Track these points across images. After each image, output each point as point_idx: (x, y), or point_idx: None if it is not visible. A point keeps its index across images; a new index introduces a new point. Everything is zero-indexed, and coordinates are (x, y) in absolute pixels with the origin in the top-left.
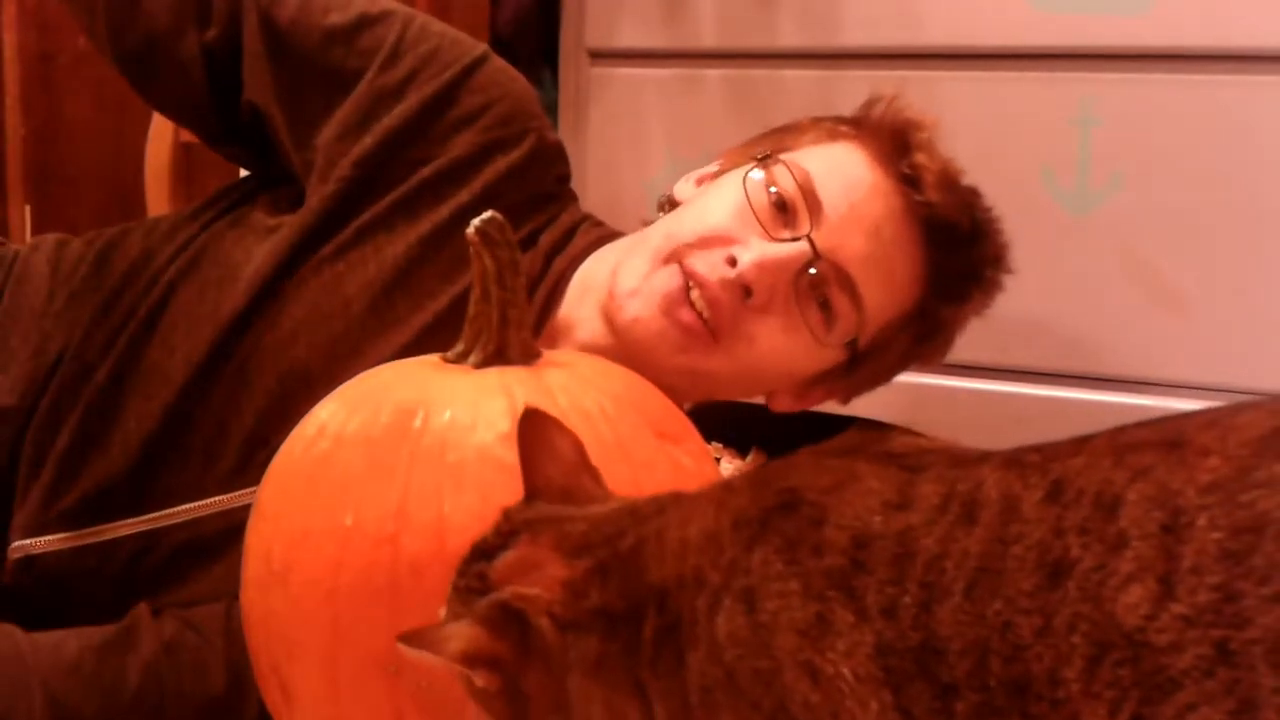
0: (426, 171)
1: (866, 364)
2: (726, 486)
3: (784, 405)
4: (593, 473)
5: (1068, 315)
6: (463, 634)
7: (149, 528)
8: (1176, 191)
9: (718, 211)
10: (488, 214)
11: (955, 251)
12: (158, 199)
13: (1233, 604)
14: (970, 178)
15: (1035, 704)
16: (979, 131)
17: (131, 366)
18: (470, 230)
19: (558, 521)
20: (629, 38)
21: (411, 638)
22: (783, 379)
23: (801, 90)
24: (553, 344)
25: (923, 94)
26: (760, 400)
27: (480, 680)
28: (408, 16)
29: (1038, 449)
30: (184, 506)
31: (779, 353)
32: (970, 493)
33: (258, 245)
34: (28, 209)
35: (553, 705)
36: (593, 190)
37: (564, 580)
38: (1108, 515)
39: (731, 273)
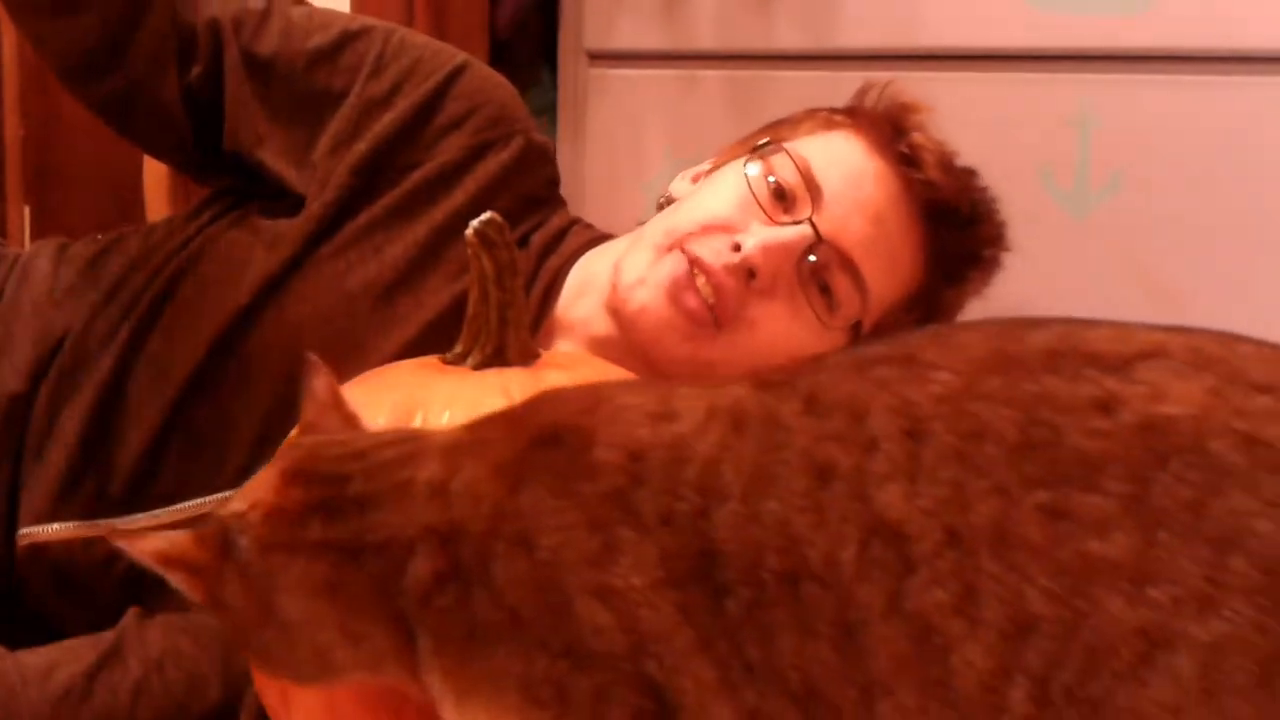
0: (419, 175)
1: None
2: (476, 435)
3: None
4: (344, 414)
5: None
6: (168, 538)
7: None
8: (1176, 193)
9: (718, 201)
10: (486, 215)
11: (956, 232)
12: (157, 201)
13: (960, 495)
14: None
15: (808, 587)
16: (978, 133)
17: (134, 359)
18: (469, 232)
19: (292, 449)
20: (627, 39)
21: (123, 535)
22: None
23: (799, 91)
24: (548, 344)
25: (921, 95)
26: None
27: (177, 582)
28: (388, 31)
29: (776, 370)
30: (194, 502)
31: (782, 337)
32: (731, 407)
33: (259, 247)
34: (27, 210)
35: (259, 619)
36: (591, 191)
37: (275, 505)
38: (859, 422)
39: (736, 257)
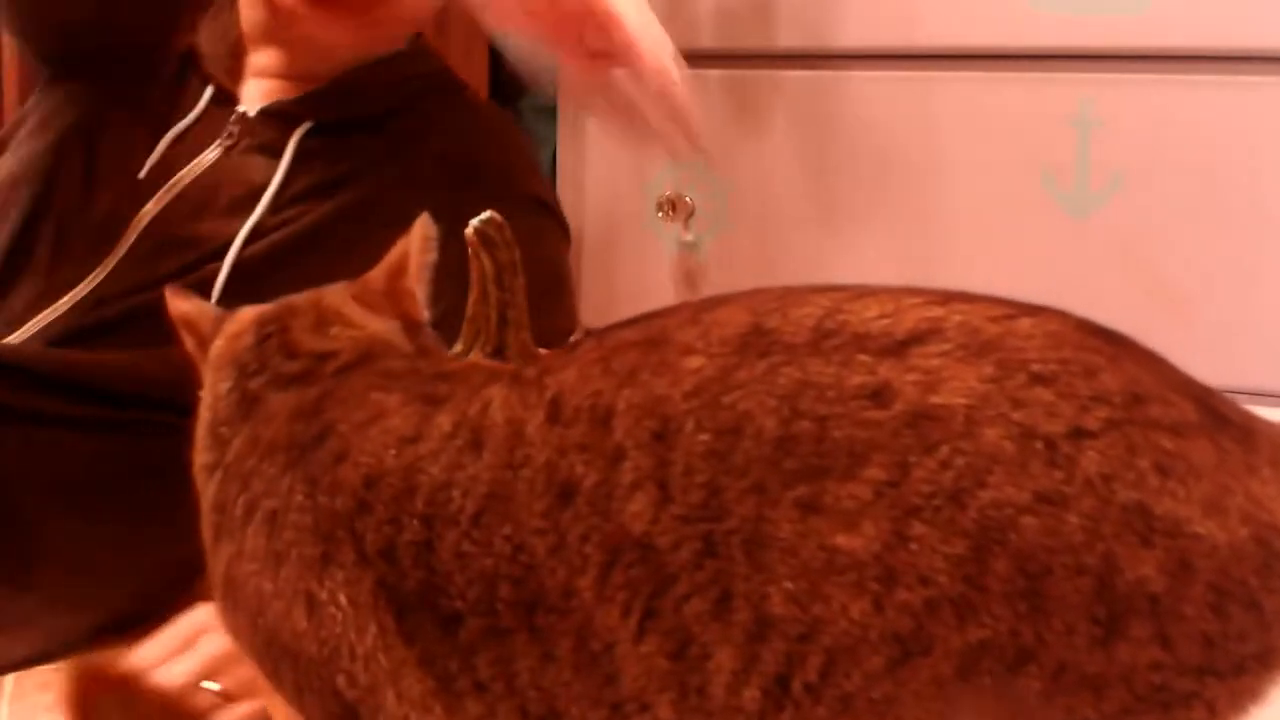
0: None
1: None
2: (289, 406)
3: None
4: (391, 289)
5: None
6: (196, 305)
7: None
8: (1176, 193)
9: None
10: (486, 215)
11: None
12: None
13: (717, 499)
14: (969, 179)
15: (544, 617)
16: (978, 133)
17: None
18: (469, 231)
19: (291, 301)
20: None
21: (174, 295)
22: None
23: (800, 91)
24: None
25: (921, 95)
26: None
27: (187, 344)
28: None
29: (532, 364)
30: None
31: None
32: (477, 417)
33: None
34: None
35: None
36: (591, 191)
37: (235, 334)
38: (603, 429)
39: None
